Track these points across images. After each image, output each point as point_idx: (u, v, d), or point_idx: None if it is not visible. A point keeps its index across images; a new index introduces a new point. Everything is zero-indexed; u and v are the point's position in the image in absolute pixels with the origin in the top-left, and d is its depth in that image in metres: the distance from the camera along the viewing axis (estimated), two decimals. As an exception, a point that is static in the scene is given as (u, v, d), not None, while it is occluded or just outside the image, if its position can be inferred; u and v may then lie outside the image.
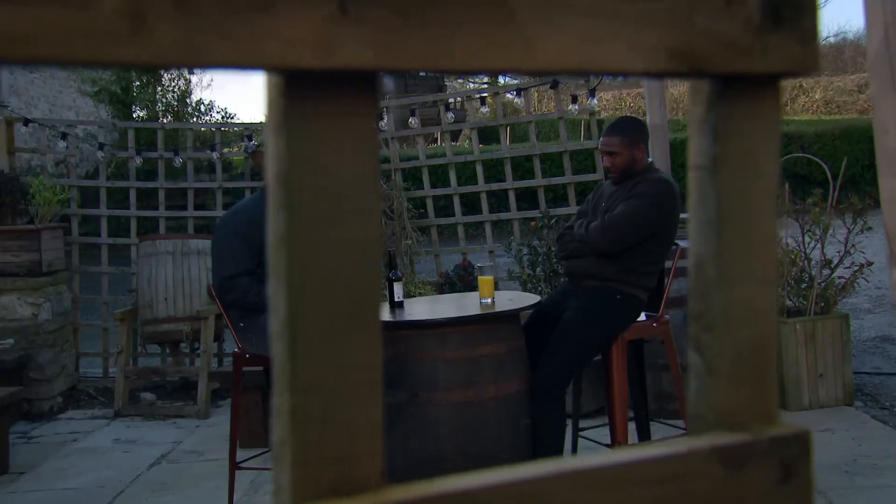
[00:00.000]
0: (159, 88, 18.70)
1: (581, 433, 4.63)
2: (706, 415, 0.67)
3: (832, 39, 34.84)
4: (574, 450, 4.60)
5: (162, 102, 18.64)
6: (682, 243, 6.01)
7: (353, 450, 0.59)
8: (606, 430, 4.42)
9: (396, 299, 4.47)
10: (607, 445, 4.29)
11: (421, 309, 4.63)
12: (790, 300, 5.76)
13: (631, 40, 0.60)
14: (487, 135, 19.58)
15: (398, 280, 4.51)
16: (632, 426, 4.63)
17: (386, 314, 4.37)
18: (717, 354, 0.68)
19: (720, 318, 0.68)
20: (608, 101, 31.16)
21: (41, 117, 13.44)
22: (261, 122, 8.32)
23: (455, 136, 22.26)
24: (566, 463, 0.57)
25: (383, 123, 7.27)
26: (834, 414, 5.44)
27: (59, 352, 6.88)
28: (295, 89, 0.54)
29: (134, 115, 18.17)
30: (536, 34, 0.57)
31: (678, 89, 33.35)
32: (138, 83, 18.16)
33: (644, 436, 4.64)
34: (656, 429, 4.84)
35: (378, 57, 0.53)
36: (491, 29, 0.57)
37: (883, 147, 1.15)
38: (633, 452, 0.60)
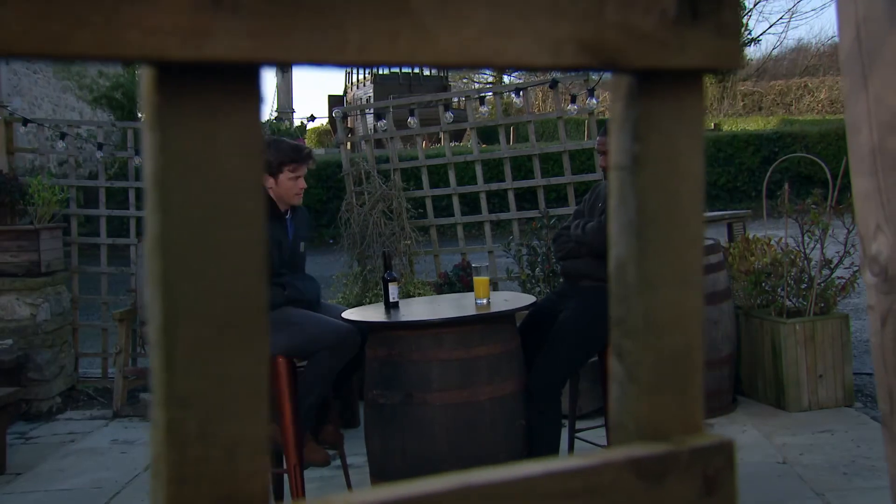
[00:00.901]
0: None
1: (578, 434, 4.61)
2: (627, 425, 0.64)
3: (837, 39, 34.62)
4: (570, 451, 4.58)
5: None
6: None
7: (234, 467, 0.54)
8: (604, 431, 4.40)
9: (392, 300, 4.45)
10: (604, 447, 4.26)
11: (416, 309, 4.61)
12: (790, 300, 5.73)
13: (538, 32, 0.58)
14: (490, 135, 19.55)
15: (393, 281, 4.49)
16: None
17: (381, 315, 4.35)
18: (637, 362, 0.65)
19: (641, 324, 0.65)
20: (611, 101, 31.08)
21: (44, 117, 13.47)
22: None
23: (459, 136, 22.23)
24: (468, 477, 0.55)
25: (383, 123, 7.25)
26: (833, 415, 5.40)
27: (57, 352, 6.87)
28: (168, 83, 0.50)
29: (139, 117, 18.16)
30: (436, 25, 0.54)
31: (683, 89, 33.23)
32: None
33: (641, 437, 4.62)
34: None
35: (256, 48, 0.50)
36: (386, 19, 0.54)
37: (855, 146, 1.13)
38: (541, 465, 0.58)
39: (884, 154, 1.07)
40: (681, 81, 0.64)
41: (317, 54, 0.52)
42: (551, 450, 4.11)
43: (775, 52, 36.15)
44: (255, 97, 0.53)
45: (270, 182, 4.36)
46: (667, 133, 0.65)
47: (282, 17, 0.51)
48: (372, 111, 8.11)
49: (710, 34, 0.62)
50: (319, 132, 26.68)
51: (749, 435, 5.28)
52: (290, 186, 4.36)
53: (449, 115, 6.99)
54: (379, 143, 7.80)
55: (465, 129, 20.71)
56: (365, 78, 33.17)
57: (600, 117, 8.81)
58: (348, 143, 7.71)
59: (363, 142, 7.55)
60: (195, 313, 0.51)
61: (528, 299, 4.39)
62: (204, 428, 0.52)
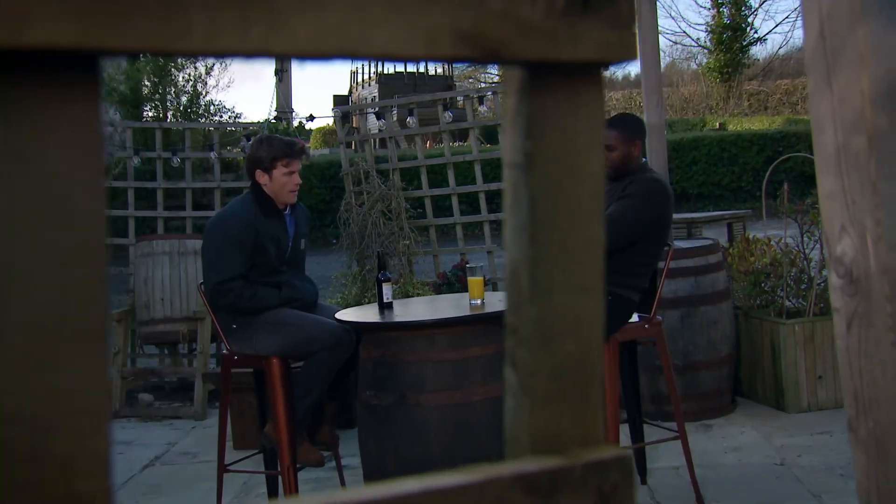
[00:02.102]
0: (172, 89, 18.71)
1: (573, 436, 4.57)
2: (520, 438, 0.61)
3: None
4: (566, 452, 4.55)
5: (174, 103, 18.65)
6: (679, 243, 5.95)
7: (71, 489, 0.51)
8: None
9: (386, 300, 4.42)
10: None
11: (411, 310, 4.59)
12: (789, 301, 5.70)
13: (410, 21, 0.54)
14: (494, 134, 19.50)
15: (388, 281, 4.47)
16: (626, 428, 4.58)
17: (375, 315, 4.33)
18: (532, 371, 0.62)
19: (535, 332, 0.62)
20: (617, 101, 31.07)
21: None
22: (259, 122, 8.30)
23: (464, 135, 22.21)
24: (337, 495, 0.52)
25: (382, 123, 7.23)
26: (832, 416, 5.36)
27: (56, 352, 6.86)
28: (-12, 73, 0.47)
29: (144, 116, 18.17)
30: (294, 12, 0.51)
31: (688, 88, 33.21)
32: (149, 83, 18.17)
33: (637, 438, 4.59)
34: (651, 431, 4.79)
35: (86, 35, 0.46)
36: (236, 4, 0.50)
37: (820, 146, 1.10)
38: (418, 482, 0.55)
39: (847, 154, 1.05)
40: (576, 75, 0.61)
41: (158, 42, 0.48)
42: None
43: (781, 51, 36.02)
44: (93, 89, 0.49)
45: (265, 179, 4.34)
46: (562, 130, 0.61)
47: (115, 1, 0.47)
48: (375, 110, 8.08)
49: (604, 25, 0.59)
50: (325, 132, 26.68)
51: (748, 436, 5.24)
52: (284, 182, 4.33)
53: (448, 115, 6.97)
54: (384, 143, 7.79)
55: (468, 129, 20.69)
56: (370, 77, 33.18)
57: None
58: (352, 143, 7.69)
59: (363, 142, 7.53)
60: (23, 322, 0.47)
61: (523, 300, 4.36)
62: (36, 446, 0.48)
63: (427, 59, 0.55)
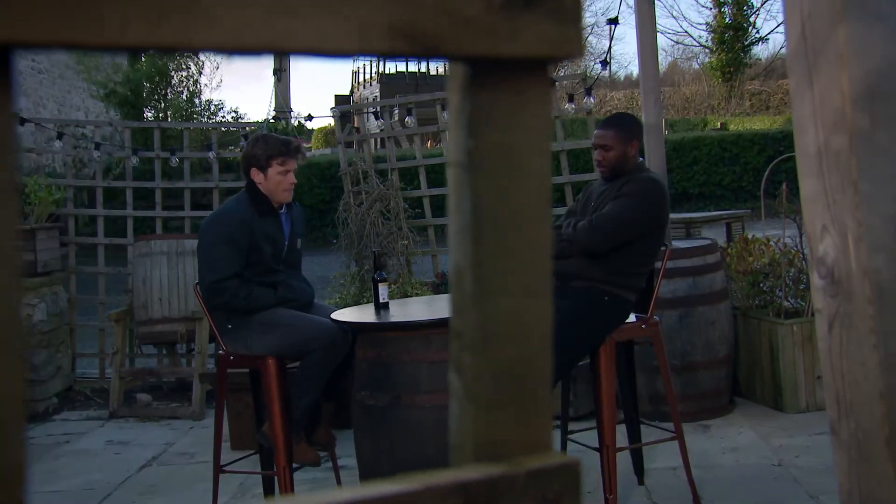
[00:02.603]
0: (169, 90, 18.69)
1: (570, 436, 4.56)
2: (464, 445, 0.59)
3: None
4: (563, 453, 4.53)
5: (172, 104, 18.63)
6: (678, 243, 5.94)
7: None
8: (596, 434, 4.35)
9: (381, 300, 4.41)
10: (595, 449, 4.22)
11: (407, 310, 4.58)
12: (788, 301, 5.68)
13: (341, 14, 0.52)
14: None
15: (383, 281, 4.46)
16: (623, 429, 4.57)
17: (371, 315, 4.32)
18: (475, 377, 0.60)
19: (479, 336, 0.60)
20: (619, 101, 31.04)
21: (49, 118, 13.47)
22: (257, 122, 8.28)
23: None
24: None
25: (381, 123, 7.21)
26: (831, 417, 5.34)
27: (54, 352, 6.85)
28: None
29: (145, 117, 18.13)
30: (213, 3, 0.48)
31: (690, 88, 33.18)
32: (149, 85, 18.16)
33: (634, 438, 4.58)
34: (649, 432, 4.77)
35: None
36: None
37: (802, 146, 1.09)
38: (350, 492, 0.53)
39: (829, 154, 1.04)
40: (519, 71, 0.59)
41: (69, 35, 0.46)
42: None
43: (783, 51, 35.97)
44: (4, 82, 0.47)
45: (260, 177, 4.34)
46: (506, 127, 0.60)
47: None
48: (373, 110, 8.07)
49: (546, 20, 0.57)
50: (326, 132, 26.66)
51: (746, 436, 5.23)
52: (279, 181, 4.32)
53: (446, 115, 6.95)
54: (385, 143, 7.77)
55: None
56: (372, 77, 33.17)
57: (598, 116, 8.75)
58: (353, 143, 7.67)
59: (361, 141, 7.52)
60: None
61: (519, 300, 4.35)
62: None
63: (359, 55, 0.53)
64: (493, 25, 0.56)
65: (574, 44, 0.58)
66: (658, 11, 5.94)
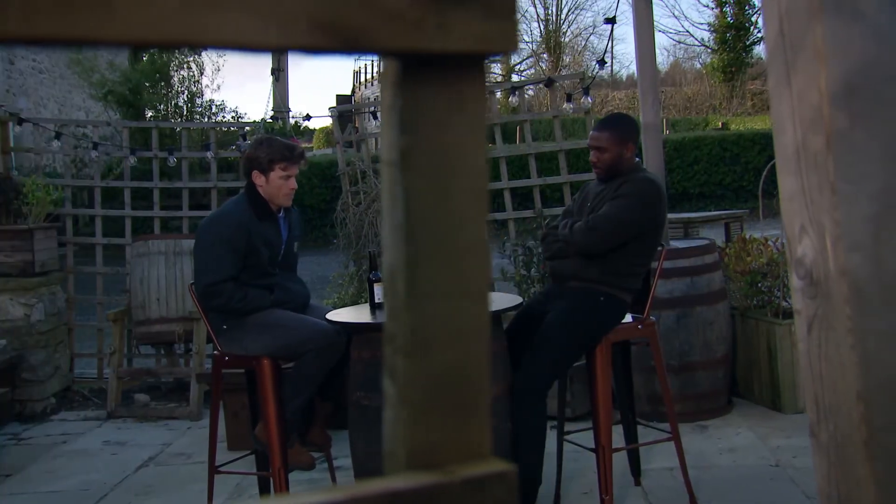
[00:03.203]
0: (169, 91, 18.67)
1: (566, 437, 4.55)
2: (397, 453, 0.58)
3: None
4: (559, 454, 4.52)
5: (172, 104, 18.61)
6: (676, 243, 5.92)
7: None
8: (592, 434, 4.34)
9: (377, 300, 4.40)
10: (592, 449, 4.21)
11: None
12: (786, 301, 5.66)
13: (259, 7, 0.50)
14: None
15: (379, 281, 4.44)
16: (620, 429, 4.55)
17: (367, 316, 4.31)
18: (408, 382, 0.58)
19: (411, 340, 0.59)
20: (621, 101, 31.02)
21: (49, 117, 13.47)
22: (255, 121, 8.27)
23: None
24: None
25: (378, 123, 7.19)
26: (829, 417, 5.32)
27: (52, 353, 6.85)
28: None
29: (146, 117, 18.11)
30: None
31: (691, 88, 33.15)
32: (149, 84, 18.14)
33: (631, 439, 4.56)
34: (646, 432, 4.76)
35: None
36: None
37: (780, 145, 1.08)
38: (279, 502, 0.51)
39: (807, 153, 1.02)
40: (452, 67, 0.58)
41: None
42: (536, 453, 4.05)
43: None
44: None
45: (261, 180, 4.32)
46: (439, 124, 0.58)
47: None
48: (372, 110, 8.05)
49: (478, 15, 0.55)
50: (327, 132, 26.65)
51: (744, 437, 5.22)
52: (280, 185, 4.31)
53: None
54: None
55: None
56: (373, 77, 33.16)
57: (598, 116, 8.72)
58: (353, 143, 7.65)
59: (360, 141, 7.50)
60: None
61: (514, 300, 4.34)
62: None
63: (280, 50, 0.51)
64: (422, 20, 0.55)
65: (508, 39, 0.56)
66: (660, 11, 5.93)
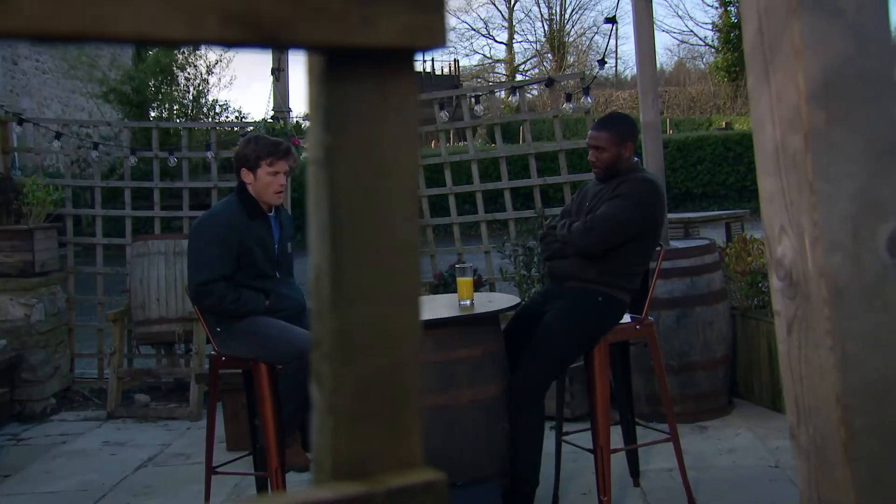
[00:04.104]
0: (175, 89, 18.65)
1: (564, 437, 4.54)
2: (323, 462, 0.56)
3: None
4: (558, 455, 4.51)
5: (178, 103, 18.59)
6: (676, 243, 5.91)
7: None
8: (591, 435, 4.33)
9: (374, 301, 4.38)
10: (590, 450, 4.20)
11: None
12: (786, 301, 5.64)
13: None
14: (505, 133, 19.45)
15: (376, 281, 4.42)
16: (619, 430, 4.54)
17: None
18: (334, 388, 0.56)
19: (338, 345, 0.57)
20: (625, 100, 30.99)
21: (52, 118, 13.47)
22: (255, 122, 8.26)
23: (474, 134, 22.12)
24: None
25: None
26: (829, 418, 5.30)
27: (52, 353, 6.84)
28: None
29: (151, 116, 18.09)
30: None
31: (695, 87, 33.10)
32: (154, 83, 18.13)
33: (629, 439, 4.55)
34: (646, 433, 4.74)
35: None
36: None
37: (760, 144, 1.06)
38: None
39: (785, 153, 1.01)
40: (380, 63, 0.56)
41: None
42: (533, 454, 4.04)
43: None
44: None
45: (250, 178, 4.32)
46: (367, 122, 0.56)
47: None
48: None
49: (405, 8, 0.54)
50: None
51: (743, 438, 5.20)
52: (268, 182, 4.30)
53: (444, 115, 6.94)
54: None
55: (478, 128, 20.64)
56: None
57: (600, 115, 8.71)
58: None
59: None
60: None
61: (512, 300, 4.33)
62: None
63: (190, 43, 0.49)
64: (346, 13, 0.53)
65: (437, 34, 0.54)
66: (664, 11, 5.93)
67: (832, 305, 0.98)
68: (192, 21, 0.49)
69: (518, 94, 6.71)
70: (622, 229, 4.09)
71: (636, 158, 4.33)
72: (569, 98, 6.46)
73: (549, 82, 6.64)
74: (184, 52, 17.31)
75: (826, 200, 0.98)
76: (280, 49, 0.52)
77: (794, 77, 0.98)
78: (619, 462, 4.52)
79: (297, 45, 0.52)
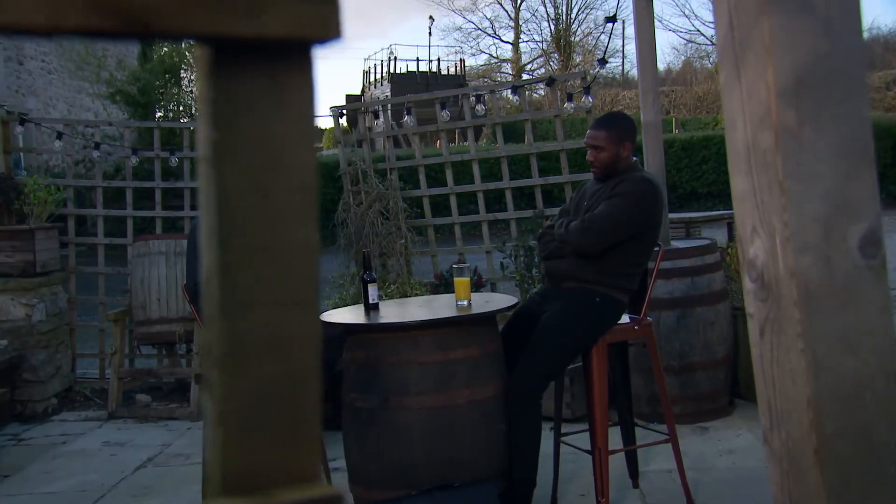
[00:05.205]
0: (181, 89, 18.66)
1: (563, 438, 4.52)
2: (213, 475, 0.53)
3: (865, 35, 34.50)
4: (556, 456, 4.49)
5: (183, 104, 18.59)
6: (677, 243, 5.88)
7: None
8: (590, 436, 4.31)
9: (371, 301, 4.37)
10: (588, 451, 4.18)
11: (400, 311, 4.54)
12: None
13: None
14: (509, 133, 19.42)
15: (373, 282, 4.42)
16: (618, 431, 4.52)
17: (360, 317, 4.28)
18: (225, 397, 0.53)
19: (229, 351, 0.54)
20: (631, 100, 30.93)
21: (58, 118, 13.48)
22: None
23: (477, 134, 22.10)
24: None
25: (379, 122, 7.18)
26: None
27: (53, 353, 6.84)
28: None
29: (157, 117, 18.10)
30: None
31: (702, 87, 33.04)
32: (160, 83, 18.14)
33: (628, 440, 4.53)
34: (645, 434, 4.72)
35: None
36: None
37: (732, 143, 1.05)
38: None
39: (756, 152, 0.99)
40: (273, 55, 0.53)
41: None
42: (531, 455, 4.02)
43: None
44: None
45: None
46: (258, 118, 0.54)
47: None
48: (373, 109, 8.03)
49: None
50: (343, 132, 26.56)
51: (744, 439, 5.17)
52: None
53: (445, 114, 6.92)
54: (396, 142, 7.72)
55: (484, 127, 20.62)
56: (383, 77, 33.16)
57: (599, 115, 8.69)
58: (360, 142, 7.63)
59: (360, 140, 7.48)
60: None
61: (509, 301, 4.31)
62: None
63: (53, 32, 0.47)
64: (228, 1, 0.51)
65: (331, 25, 0.52)
66: (670, 10, 5.91)
67: (803, 308, 0.96)
68: (54, 8, 0.47)
69: (518, 93, 6.69)
70: (620, 229, 4.07)
71: (635, 158, 4.31)
72: (570, 98, 6.44)
73: (550, 82, 6.62)
74: (190, 52, 17.31)
75: (797, 201, 0.96)
76: (151, 40, 0.50)
77: (764, 75, 0.96)
78: (618, 463, 4.50)
79: (176, 37, 0.49)
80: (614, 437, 4.38)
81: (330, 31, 0.52)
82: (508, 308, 4.20)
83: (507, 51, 40.42)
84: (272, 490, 0.53)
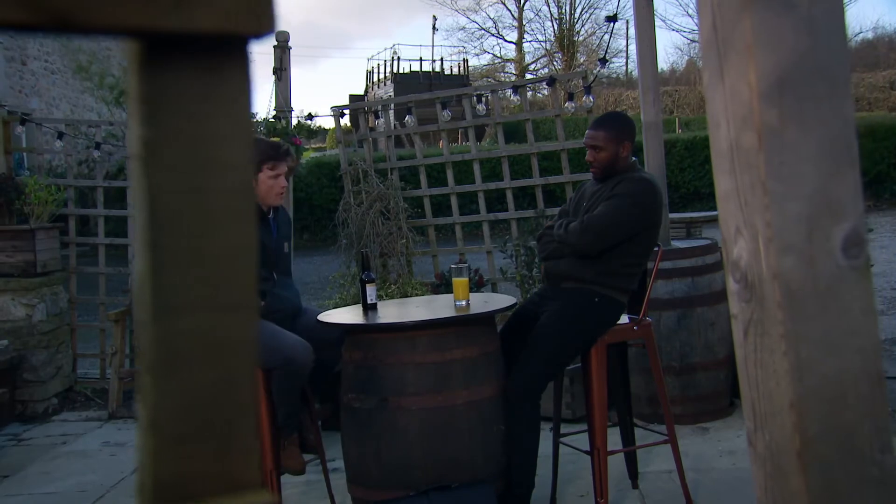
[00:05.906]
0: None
1: (562, 439, 4.51)
2: (146, 483, 0.52)
3: (869, 35, 34.45)
4: (555, 457, 4.48)
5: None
6: (677, 243, 5.87)
7: None
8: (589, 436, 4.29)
9: (369, 301, 4.36)
10: (587, 452, 4.17)
11: (399, 311, 4.53)
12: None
13: None
14: (511, 133, 19.41)
15: (371, 282, 4.41)
16: (618, 431, 4.51)
17: (358, 317, 4.28)
18: (157, 404, 0.52)
19: (161, 356, 0.52)
20: (635, 99, 30.90)
21: (61, 118, 13.49)
22: (256, 120, 8.23)
23: (480, 134, 22.07)
24: None
25: (380, 122, 7.17)
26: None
27: (54, 353, 6.84)
28: None
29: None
30: None
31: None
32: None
33: (628, 441, 4.51)
34: (645, 434, 4.71)
35: None
36: None
37: (715, 142, 1.04)
38: None
39: (740, 151, 0.98)
40: (206, 50, 0.52)
41: None
42: (529, 456, 4.01)
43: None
44: None
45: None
46: (191, 115, 0.53)
47: None
48: (374, 109, 8.03)
49: None
50: (344, 132, 26.56)
51: (744, 439, 5.13)
52: (270, 185, 4.27)
53: (446, 114, 6.91)
54: (399, 142, 7.71)
55: (487, 127, 20.61)
56: (386, 77, 33.16)
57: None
58: (363, 143, 7.62)
59: (361, 140, 7.48)
60: None
61: (508, 301, 4.30)
62: None
63: None
64: None
65: (263, 19, 0.50)
66: (674, 10, 5.88)
67: (786, 309, 0.95)
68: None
69: (519, 93, 6.67)
70: (618, 229, 4.06)
71: (634, 158, 4.30)
72: (570, 97, 6.42)
73: (551, 81, 6.61)
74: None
75: (779, 201, 0.95)
76: (73, 34, 0.48)
77: (747, 73, 0.95)
78: (618, 464, 4.49)
79: (101, 31, 0.48)
80: (614, 438, 4.37)
81: (263, 25, 0.51)
82: (507, 308, 4.19)
83: (510, 51, 40.40)
84: (205, 498, 0.52)
